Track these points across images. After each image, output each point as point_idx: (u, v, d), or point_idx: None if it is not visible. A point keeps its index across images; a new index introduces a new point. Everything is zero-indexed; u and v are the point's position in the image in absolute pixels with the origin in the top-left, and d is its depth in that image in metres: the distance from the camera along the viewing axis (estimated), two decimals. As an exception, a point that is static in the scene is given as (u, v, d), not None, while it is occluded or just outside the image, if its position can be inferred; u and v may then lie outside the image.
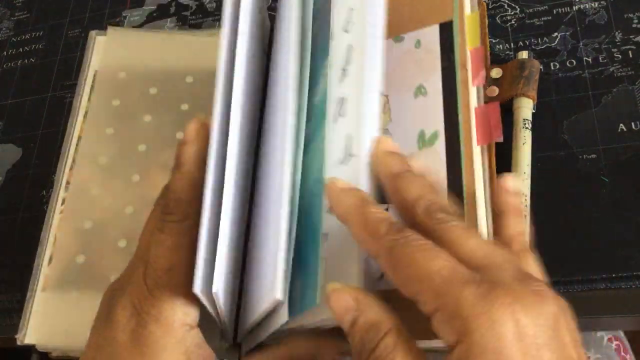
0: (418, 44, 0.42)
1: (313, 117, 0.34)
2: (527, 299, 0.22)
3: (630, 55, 0.41)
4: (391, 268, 0.24)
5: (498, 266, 0.24)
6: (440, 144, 0.38)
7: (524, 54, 0.41)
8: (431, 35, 0.41)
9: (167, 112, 0.47)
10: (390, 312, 0.25)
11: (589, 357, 0.55)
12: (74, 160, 0.46)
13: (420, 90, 0.40)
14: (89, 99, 0.47)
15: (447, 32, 0.40)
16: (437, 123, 0.38)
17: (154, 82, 0.48)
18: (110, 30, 0.50)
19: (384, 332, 0.24)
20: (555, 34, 0.44)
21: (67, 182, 0.46)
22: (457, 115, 0.37)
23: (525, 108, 0.39)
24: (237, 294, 0.36)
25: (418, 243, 0.24)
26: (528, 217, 0.37)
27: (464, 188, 0.36)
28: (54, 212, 0.45)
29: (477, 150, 0.37)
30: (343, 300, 0.25)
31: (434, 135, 0.38)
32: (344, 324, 0.25)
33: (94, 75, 0.48)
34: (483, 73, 0.40)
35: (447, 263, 0.23)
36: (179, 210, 0.30)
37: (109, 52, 0.49)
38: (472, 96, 0.39)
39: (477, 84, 0.40)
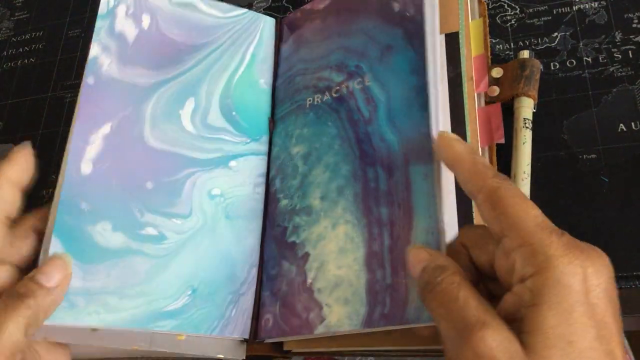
0: None
1: None
2: (595, 259, 0.26)
3: (630, 55, 0.41)
4: (491, 204, 0.28)
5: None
6: None
7: (524, 54, 0.41)
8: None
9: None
10: (457, 266, 0.29)
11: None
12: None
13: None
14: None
15: (453, 43, 0.40)
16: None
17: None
18: None
19: (452, 271, 0.28)
20: (555, 34, 0.44)
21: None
22: (464, 126, 0.38)
23: (526, 107, 0.40)
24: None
25: (519, 192, 0.29)
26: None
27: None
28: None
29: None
30: (420, 254, 0.30)
31: None
32: (416, 271, 0.30)
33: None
34: (486, 80, 0.40)
35: (540, 213, 0.28)
36: None
37: None
38: (477, 104, 0.39)
39: (480, 91, 0.40)
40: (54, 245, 0.34)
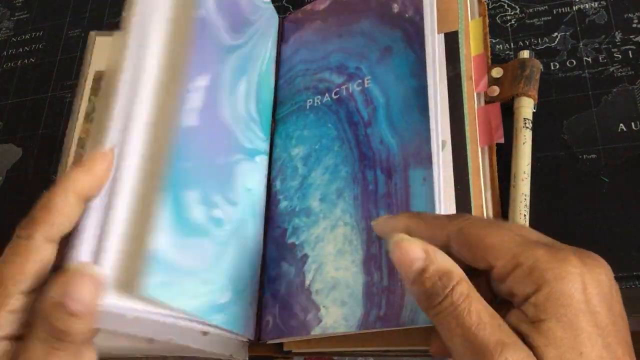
0: None
1: None
2: (592, 266, 0.26)
3: (630, 55, 0.41)
4: (464, 245, 0.27)
5: (553, 241, 0.27)
6: (447, 154, 0.38)
7: (524, 54, 0.41)
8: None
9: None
10: (459, 269, 0.27)
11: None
12: (74, 161, 0.46)
13: None
14: (89, 100, 0.47)
15: (452, 42, 0.40)
16: (444, 133, 0.39)
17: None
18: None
19: (457, 280, 0.26)
20: (555, 34, 0.44)
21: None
22: (464, 125, 0.38)
23: (526, 107, 0.39)
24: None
25: (484, 220, 0.28)
26: (527, 217, 0.37)
27: (471, 195, 0.36)
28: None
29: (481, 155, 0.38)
30: (413, 250, 0.27)
31: (442, 145, 0.38)
32: (410, 272, 0.27)
33: (99, 77, 0.47)
34: (485, 79, 0.40)
35: (515, 232, 0.27)
36: None
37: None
38: (476, 103, 0.39)
39: (479, 90, 0.40)
40: (165, 202, 0.28)
